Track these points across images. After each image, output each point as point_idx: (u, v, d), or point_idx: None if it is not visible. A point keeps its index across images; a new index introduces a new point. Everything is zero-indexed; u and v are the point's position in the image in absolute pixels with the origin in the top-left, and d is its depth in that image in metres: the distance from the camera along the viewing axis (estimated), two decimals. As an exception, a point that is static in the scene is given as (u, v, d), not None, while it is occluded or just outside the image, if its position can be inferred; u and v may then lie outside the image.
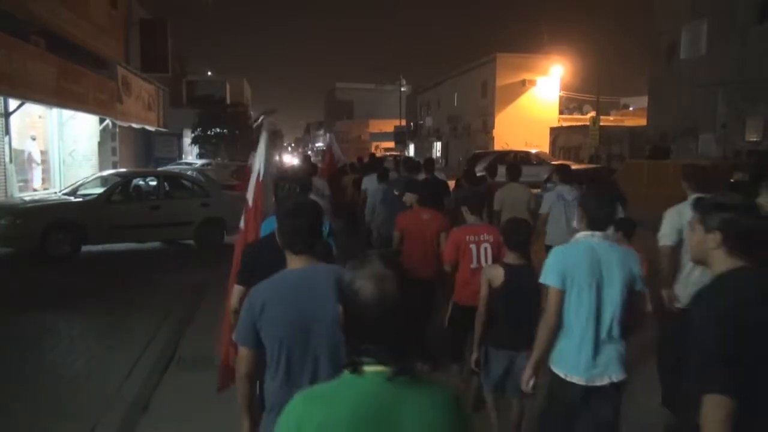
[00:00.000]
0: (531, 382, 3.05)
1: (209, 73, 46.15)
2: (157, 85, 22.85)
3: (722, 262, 2.04)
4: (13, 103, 12.32)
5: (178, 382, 4.99)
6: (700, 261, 2.17)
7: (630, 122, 32.69)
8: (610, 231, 3.10)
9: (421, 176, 8.47)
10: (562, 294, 2.85)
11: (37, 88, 12.05)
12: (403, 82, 53.10)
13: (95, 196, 10.38)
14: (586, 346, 2.84)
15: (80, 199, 10.43)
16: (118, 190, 10.52)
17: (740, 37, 19.19)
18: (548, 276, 2.89)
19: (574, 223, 3.23)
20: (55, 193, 12.74)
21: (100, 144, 18.15)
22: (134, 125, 20.04)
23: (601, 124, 25.95)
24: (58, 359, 5.52)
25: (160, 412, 4.45)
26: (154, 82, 22.34)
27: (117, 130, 18.95)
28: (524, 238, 3.59)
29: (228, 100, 36.08)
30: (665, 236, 4.07)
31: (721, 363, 1.83)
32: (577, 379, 2.87)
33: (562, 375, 2.91)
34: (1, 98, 12.00)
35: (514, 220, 3.77)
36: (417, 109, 52.23)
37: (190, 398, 4.64)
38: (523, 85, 35.76)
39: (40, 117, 14.99)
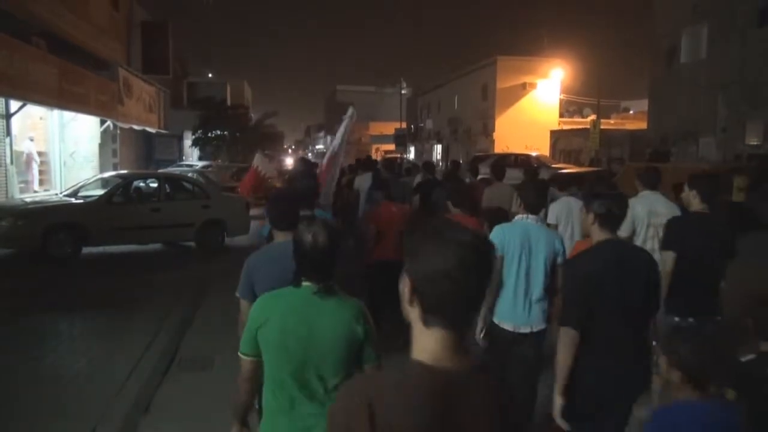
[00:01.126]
0: (482, 333, 3.72)
1: (210, 75, 46.27)
2: (158, 87, 22.87)
3: (597, 234, 2.91)
4: (14, 105, 12.35)
5: (179, 383, 5.00)
6: (586, 234, 3.09)
7: (630, 125, 32.69)
8: (542, 214, 3.94)
9: (418, 177, 9.42)
10: (501, 259, 3.60)
11: (38, 90, 12.07)
12: (404, 84, 53.15)
13: (96, 197, 10.39)
14: (517, 301, 3.60)
15: (81, 201, 10.45)
16: (119, 191, 10.53)
17: (740, 41, 19.22)
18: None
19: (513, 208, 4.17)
20: (56, 194, 12.76)
21: (101, 145, 18.16)
22: (135, 127, 20.06)
23: (602, 127, 25.95)
24: (59, 360, 5.53)
25: (162, 412, 4.46)
26: (155, 83, 22.36)
27: (118, 131, 18.97)
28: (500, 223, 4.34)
29: (229, 102, 36.11)
30: (624, 228, 4.48)
31: (574, 305, 2.77)
32: (506, 325, 3.64)
33: (496, 321, 3.67)
34: (3, 100, 12.03)
35: (493, 209, 4.94)
36: (417, 112, 52.26)
37: (191, 399, 4.66)
38: (523, 88, 35.74)
39: (41, 118, 15.02)
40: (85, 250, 9.97)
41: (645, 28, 25.91)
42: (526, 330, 3.60)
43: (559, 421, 2.78)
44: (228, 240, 11.33)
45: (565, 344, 2.75)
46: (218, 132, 30.74)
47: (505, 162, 22.26)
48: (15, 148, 13.03)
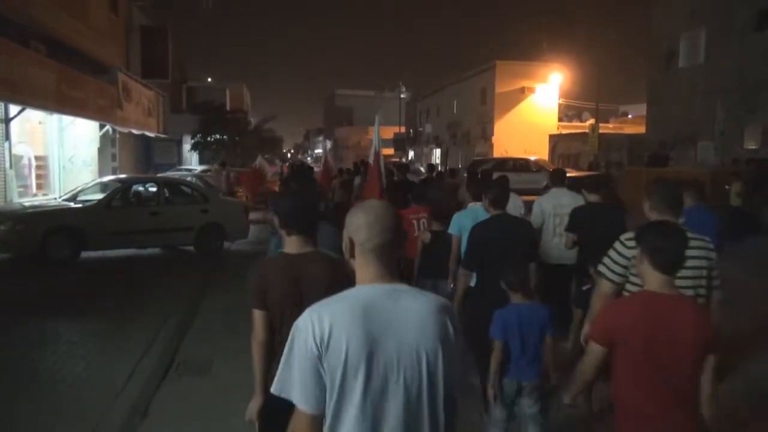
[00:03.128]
0: (451, 285, 4.97)
1: (209, 80, 46.32)
2: (157, 91, 22.91)
3: (491, 211, 4.44)
4: (13, 109, 12.35)
5: (177, 388, 4.99)
6: (487, 211, 4.55)
7: (629, 130, 32.74)
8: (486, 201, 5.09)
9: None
10: (459, 238, 4.96)
11: (37, 94, 12.09)
12: (403, 88, 53.25)
13: (95, 201, 10.39)
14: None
15: (80, 205, 10.44)
16: (118, 195, 10.53)
17: (739, 45, 19.28)
18: (452, 228, 5.10)
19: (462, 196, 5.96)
20: (55, 198, 12.75)
21: (100, 150, 18.17)
22: (134, 131, 20.08)
23: (600, 131, 25.99)
24: (57, 364, 5.51)
25: (160, 416, 4.45)
26: (154, 88, 22.40)
27: (117, 135, 18.98)
28: (444, 213, 5.50)
29: (228, 107, 36.16)
30: (535, 221, 5.91)
31: (470, 256, 4.33)
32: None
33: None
34: (2, 104, 12.03)
35: (438, 203, 5.95)
36: (416, 116, 52.33)
37: (189, 404, 4.65)
38: (522, 93, 35.81)
39: (40, 123, 15.02)
40: (84, 254, 9.97)
41: (644, 32, 25.99)
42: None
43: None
44: (227, 244, 11.32)
45: (462, 278, 4.41)
46: (217, 136, 30.78)
47: (504, 166, 22.34)
48: (14, 152, 13.03)
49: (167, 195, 11.04)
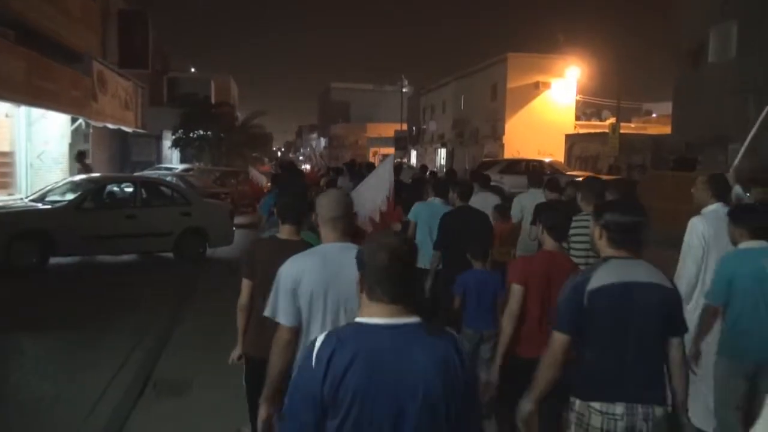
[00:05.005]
0: None
1: (192, 70, 46.39)
2: (136, 82, 22.93)
3: (457, 203, 6.05)
4: (-23, 100, 12.37)
5: (154, 408, 5.00)
6: (453, 203, 6.19)
7: (653, 130, 32.81)
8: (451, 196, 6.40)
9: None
10: (415, 224, 6.35)
11: (4, 85, 12.10)
12: (405, 82, 53.31)
13: (65, 202, 10.41)
14: (426, 249, 5.66)
15: (48, 206, 10.45)
16: (91, 196, 10.55)
17: (773, 39, 19.32)
18: (410, 215, 6.46)
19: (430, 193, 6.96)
20: (21, 199, 12.76)
21: (72, 146, 18.14)
22: (110, 125, 20.09)
23: (622, 131, 26.04)
24: (20, 382, 5.51)
25: (133, 440, 4.45)
26: (133, 78, 22.42)
27: (90, 130, 18.98)
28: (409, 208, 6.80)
29: (213, 100, 36.24)
30: (514, 216, 7.35)
31: (439, 240, 5.82)
32: (419, 265, 5.26)
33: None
34: (-35, 94, 12.05)
35: (405, 204, 7.08)
36: (420, 113, 52.39)
37: (166, 426, 4.65)
38: (536, 88, 35.84)
39: (6, 116, 15.04)
40: (53, 260, 9.97)
41: (670, 24, 26.10)
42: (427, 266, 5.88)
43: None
44: (210, 251, 11.33)
45: (434, 260, 5.79)
46: (201, 132, 30.82)
47: (516, 168, 22.39)
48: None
49: (144, 196, 11.06)
